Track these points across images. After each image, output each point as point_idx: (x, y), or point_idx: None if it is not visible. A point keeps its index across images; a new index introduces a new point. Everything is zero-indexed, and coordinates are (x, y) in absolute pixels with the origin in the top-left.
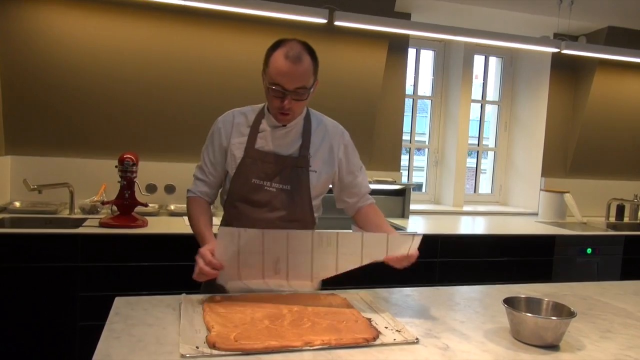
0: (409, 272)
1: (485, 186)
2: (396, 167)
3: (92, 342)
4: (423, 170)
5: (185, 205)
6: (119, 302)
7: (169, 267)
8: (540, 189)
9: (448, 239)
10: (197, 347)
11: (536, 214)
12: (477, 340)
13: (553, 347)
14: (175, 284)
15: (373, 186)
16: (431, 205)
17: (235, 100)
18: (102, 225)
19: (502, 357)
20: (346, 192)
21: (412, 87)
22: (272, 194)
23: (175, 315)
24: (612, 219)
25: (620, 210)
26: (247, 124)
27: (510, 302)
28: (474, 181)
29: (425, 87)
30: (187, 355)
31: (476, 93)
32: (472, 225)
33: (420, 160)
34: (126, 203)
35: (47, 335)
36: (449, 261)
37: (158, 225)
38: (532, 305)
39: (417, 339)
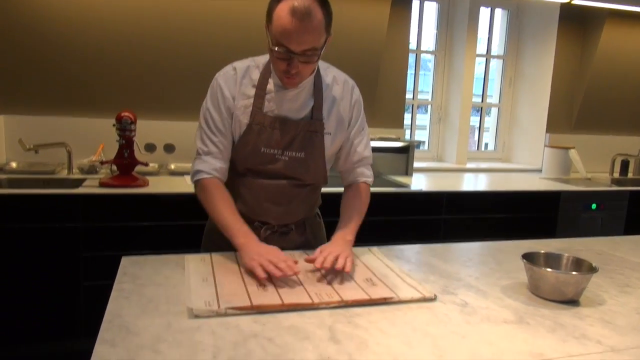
0: (414, 229)
1: (488, 143)
2: (399, 124)
3: (98, 301)
4: (425, 129)
5: (187, 165)
6: (126, 262)
7: (171, 227)
8: (545, 145)
9: (453, 196)
10: (210, 306)
11: (540, 171)
12: (494, 296)
13: (573, 302)
14: (178, 243)
15: (377, 143)
16: (434, 163)
17: (236, 54)
18: (102, 185)
19: (522, 313)
20: (343, 151)
21: (416, 42)
22: (284, 163)
23: (185, 274)
24: (617, 175)
25: (625, 166)
26: (252, 83)
27: (529, 257)
28: (477, 139)
29: (429, 42)
30: (200, 316)
31: (481, 48)
32: (476, 182)
33: (422, 119)
34: (126, 162)
35: (51, 296)
36: (454, 218)
37: (159, 185)
38: (551, 260)
39: (434, 295)
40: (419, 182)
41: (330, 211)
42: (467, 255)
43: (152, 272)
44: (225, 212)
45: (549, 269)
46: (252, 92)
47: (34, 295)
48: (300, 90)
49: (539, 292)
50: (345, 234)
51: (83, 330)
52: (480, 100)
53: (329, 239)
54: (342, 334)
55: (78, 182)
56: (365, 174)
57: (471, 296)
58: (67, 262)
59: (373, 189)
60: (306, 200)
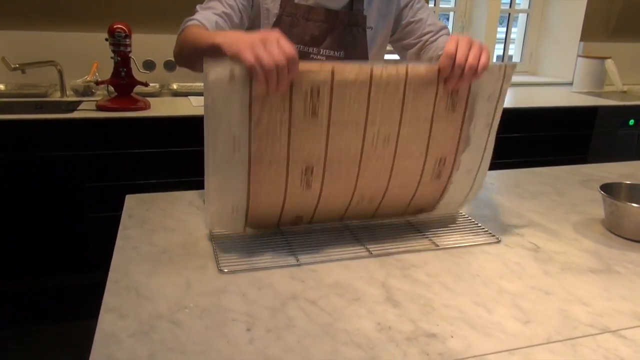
0: None
1: (512, 55)
2: None
3: (105, 233)
4: None
5: (191, 84)
6: (131, 202)
7: (177, 153)
8: (578, 55)
9: None
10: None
11: (570, 84)
12: (568, 237)
13: None
14: (186, 171)
15: (396, 55)
16: None
17: None
18: (99, 108)
19: (607, 258)
20: (409, 35)
21: None
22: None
23: (201, 215)
24: None
25: None
26: None
27: (607, 189)
28: (501, 50)
29: None
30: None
31: None
32: None
33: None
34: (123, 82)
35: (57, 229)
36: None
37: (162, 107)
38: (635, 192)
39: (498, 238)
40: None
41: None
42: (520, 184)
43: (162, 214)
44: (205, 33)
45: (635, 205)
46: None
47: (38, 229)
48: None
49: (621, 232)
50: None
51: (94, 264)
52: (506, 11)
53: None
54: (400, 293)
55: (73, 106)
56: (446, 31)
57: (541, 237)
58: (70, 193)
59: None
60: None
